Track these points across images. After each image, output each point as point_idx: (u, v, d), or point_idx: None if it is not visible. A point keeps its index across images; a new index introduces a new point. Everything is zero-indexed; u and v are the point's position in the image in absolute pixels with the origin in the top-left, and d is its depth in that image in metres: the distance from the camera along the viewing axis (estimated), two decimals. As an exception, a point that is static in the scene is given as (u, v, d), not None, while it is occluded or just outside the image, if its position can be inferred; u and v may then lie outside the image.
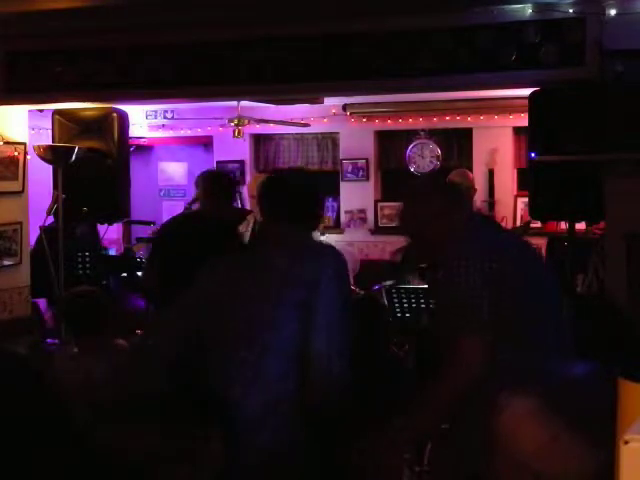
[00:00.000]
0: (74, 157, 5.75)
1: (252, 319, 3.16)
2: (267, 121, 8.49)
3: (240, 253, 3.65)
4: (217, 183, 5.37)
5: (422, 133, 8.89)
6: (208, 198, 5.24)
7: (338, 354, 3.10)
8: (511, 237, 3.18)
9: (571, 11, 4.56)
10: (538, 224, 7.19)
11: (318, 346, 3.09)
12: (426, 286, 5.48)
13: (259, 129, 8.97)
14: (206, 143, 9.67)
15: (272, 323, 3.13)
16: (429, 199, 3.09)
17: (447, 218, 2.98)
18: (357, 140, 9.04)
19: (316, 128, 8.91)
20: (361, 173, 9.05)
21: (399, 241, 6.96)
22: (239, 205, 8.45)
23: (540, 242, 7.44)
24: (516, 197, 8.58)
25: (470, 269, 2.80)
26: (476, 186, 7.94)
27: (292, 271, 3.16)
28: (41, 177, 6.18)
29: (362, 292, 6.48)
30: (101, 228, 7.06)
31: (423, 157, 8.84)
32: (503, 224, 7.64)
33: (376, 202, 9.04)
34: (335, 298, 3.14)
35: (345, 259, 3.43)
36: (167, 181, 9.94)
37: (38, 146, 5.85)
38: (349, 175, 9.11)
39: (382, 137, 9.18)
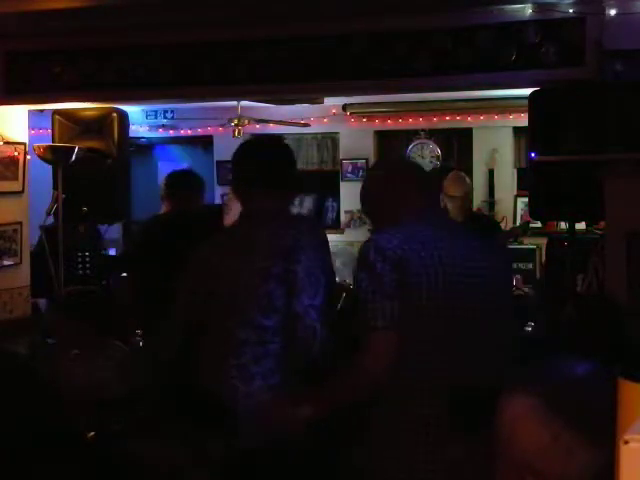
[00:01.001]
0: (74, 157, 5.75)
1: (244, 297, 3.15)
2: (267, 121, 8.49)
3: (221, 233, 3.61)
4: (195, 181, 5.38)
5: (422, 133, 8.90)
6: (189, 198, 5.24)
7: (320, 318, 3.10)
8: (450, 235, 2.90)
9: (571, 11, 4.56)
10: (538, 224, 7.20)
11: (299, 309, 3.08)
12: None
13: (259, 129, 8.97)
14: (206, 143, 9.67)
15: (265, 298, 3.12)
16: (377, 179, 3.10)
17: (398, 202, 2.94)
18: (357, 140, 9.05)
19: (316, 128, 8.92)
20: (361, 173, 9.04)
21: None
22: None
23: (540, 242, 7.45)
24: (516, 197, 8.58)
25: (380, 262, 2.72)
26: (476, 186, 7.95)
27: (273, 242, 3.15)
28: (41, 177, 6.18)
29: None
30: (101, 228, 7.06)
31: (423, 157, 8.84)
32: (503, 224, 7.66)
33: (376, 202, 9.03)
34: (317, 264, 3.14)
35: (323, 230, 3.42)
36: (167, 181, 9.93)
37: (38, 146, 5.84)
38: (349, 175, 9.11)
39: (382, 137, 9.19)
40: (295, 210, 3.55)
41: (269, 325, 3.11)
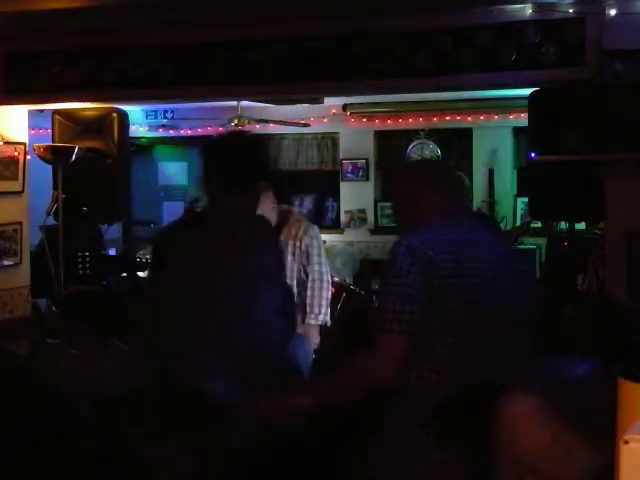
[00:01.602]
0: (74, 157, 5.75)
1: (215, 296, 3.15)
2: (267, 121, 8.49)
3: (193, 233, 3.59)
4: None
5: (422, 133, 8.89)
6: None
7: (276, 316, 3.13)
8: (467, 240, 2.88)
9: (571, 11, 4.56)
10: (538, 224, 7.20)
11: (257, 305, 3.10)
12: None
13: (259, 129, 8.97)
14: (206, 143, 9.67)
15: (236, 296, 3.13)
16: (401, 179, 3.09)
17: (415, 202, 2.93)
18: (357, 140, 9.05)
19: (316, 128, 8.91)
20: (361, 173, 9.05)
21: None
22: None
23: (540, 242, 7.46)
24: (516, 197, 8.58)
25: (407, 264, 2.71)
26: (476, 186, 7.95)
27: (245, 240, 3.16)
28: (41, 177, 6.18)
29: (362, 292, 6.48)
30: (101, 228, 7.07)
31: (423, 157, 8.84)
32: (503, 224, 7.67)
33: (376, 202, 9.04)
34: (277, 266, 3.15)
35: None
36: (167, 181, 9.94)
37: (38, 146, 5.85)
38: (349, 175, 9.11)
39: (382, 137, 9.18)
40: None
41: (237, 322, 3.12)
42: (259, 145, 3.45)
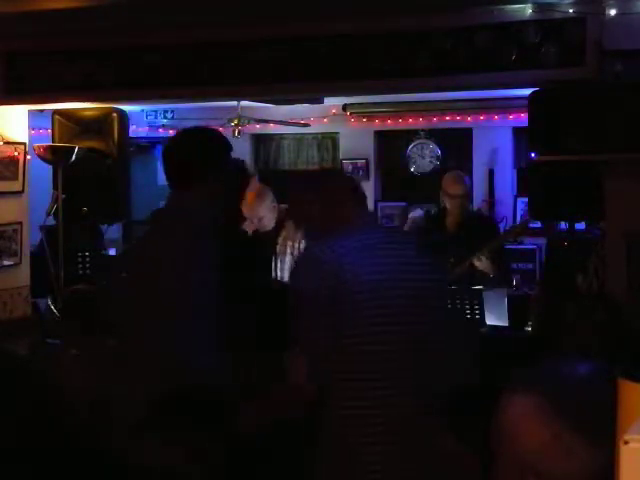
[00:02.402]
0: (74, 157, 5.75)
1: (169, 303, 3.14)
2: (267, 121, 8.49)
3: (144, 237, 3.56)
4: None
5: (422, 133, 8.89)
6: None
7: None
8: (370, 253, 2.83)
9: (571, 11, 4.56)
10: (538, 224, 7.20)
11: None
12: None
13: (259, 129, 8.97)
14: (206, 143, 9.64)
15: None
16: (311, 190, 3.05)
17: (325, 212, 2.89)
18: (357, 140, 9.05)
19: (316, 128, 8.91)
20: (361, 173, 9.05)
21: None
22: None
23: (540, 242, 7.45)
24: (516, 197, 8.58)
25: (317, 277, 2.70)
26: (476, 186, 7.94)
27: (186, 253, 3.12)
28: (41, 177, 6.18)
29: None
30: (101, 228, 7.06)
31: (423, 157, 8.85)
32: (503, 224, 7.67)
33: (376, 202, 9.04)
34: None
35: None
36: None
37: (38, 146, 5.85)
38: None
39: (382, 137, 9.19)
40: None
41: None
42: (194, 142, 3.37)
